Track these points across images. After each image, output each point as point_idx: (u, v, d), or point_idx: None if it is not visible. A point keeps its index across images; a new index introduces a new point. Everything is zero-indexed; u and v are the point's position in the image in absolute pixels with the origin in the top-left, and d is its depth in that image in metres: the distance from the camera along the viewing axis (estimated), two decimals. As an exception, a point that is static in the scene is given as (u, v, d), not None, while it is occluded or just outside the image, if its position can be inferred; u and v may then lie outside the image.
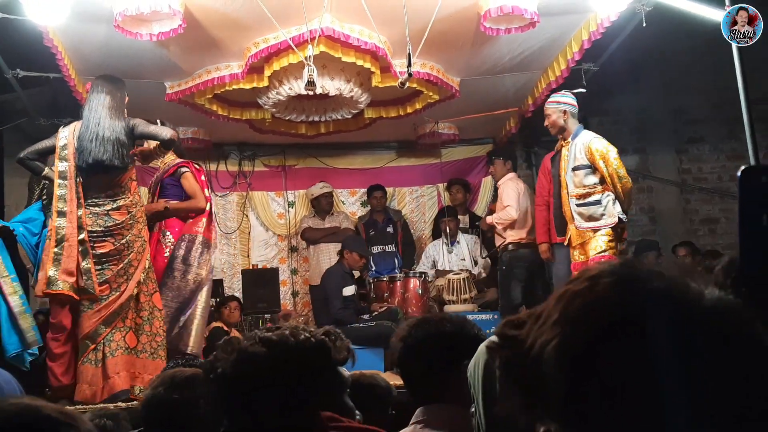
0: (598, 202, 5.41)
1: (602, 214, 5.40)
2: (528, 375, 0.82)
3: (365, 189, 8.77)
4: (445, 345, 2.26)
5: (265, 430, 1.56)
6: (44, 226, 5.52)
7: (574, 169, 5.49)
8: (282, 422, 1.55)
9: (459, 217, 8.04)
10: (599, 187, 5.43)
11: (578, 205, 5.47)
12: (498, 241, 7.05)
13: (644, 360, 0.76)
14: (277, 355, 1.58)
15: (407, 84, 5.43)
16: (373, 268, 7.93)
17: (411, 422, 2.22)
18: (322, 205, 8.28)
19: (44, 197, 5.64)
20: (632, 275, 0.82)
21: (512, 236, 6.79)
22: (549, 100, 5.80)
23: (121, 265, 5.09)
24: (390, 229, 8.16)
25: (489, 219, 7.11)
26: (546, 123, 5.78)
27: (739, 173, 0.62)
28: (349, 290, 7.39)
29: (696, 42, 6.78)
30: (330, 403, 1.65)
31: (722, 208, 8.91)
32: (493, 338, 0.93)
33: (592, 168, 5.45)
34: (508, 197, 6.89)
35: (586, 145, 5.47)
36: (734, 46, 4.31)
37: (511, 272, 6.70)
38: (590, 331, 0.78)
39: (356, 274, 7.82)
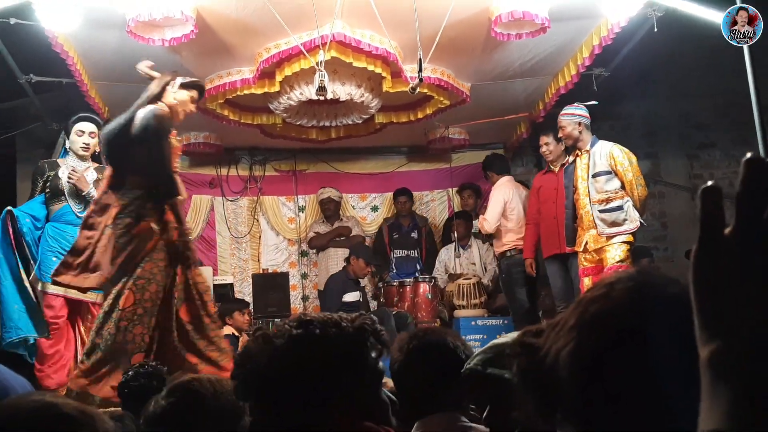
0: (620, 208, 5.49)
1: (624, 219, 5.49)
2: (544, 381, 0.83)
3: (376, 194, 8.80)
4: (447, 356, 2.29)
5: (287, 428, 1.54)
6: (47, 219, 5.55)
7: (595, 175, 5.56)
8: (302, 420, 1.53)
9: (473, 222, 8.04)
10: (620, 192, 5.51)
11: (601, 211, 5.53)
12: (496, 247, 7.05)
13: (660, 366, 0.76)
14: (300, 351, 1.53)
15: (418, 89, 5.43)
16: (394, 271, 7.95)
17: None
18: (324, 210, 8.32)
19: (47, 190, 5.64)
20: (648, 282, 0.83)
21: (509, 242, 6.79)
22: (563, 112, 5.86)
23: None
24: (414, 235, 8.17)
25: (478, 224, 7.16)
26: (560, 135, 5.84)
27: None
28: (351, 296, 7.39)
29: (707, 47, 6.76)
30: (362, 398, 1.60)
31: (733, 214, 8.86)
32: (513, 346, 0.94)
33: (613, 174, 5.51)
34: (491, 208, 6.92)
35: (608, 152, 5.56)
36: (746, 50, 4.30)
37: (511, 278, 6.72)
38: (606, 336, 0.79)
39: (365, 282, 7.84)
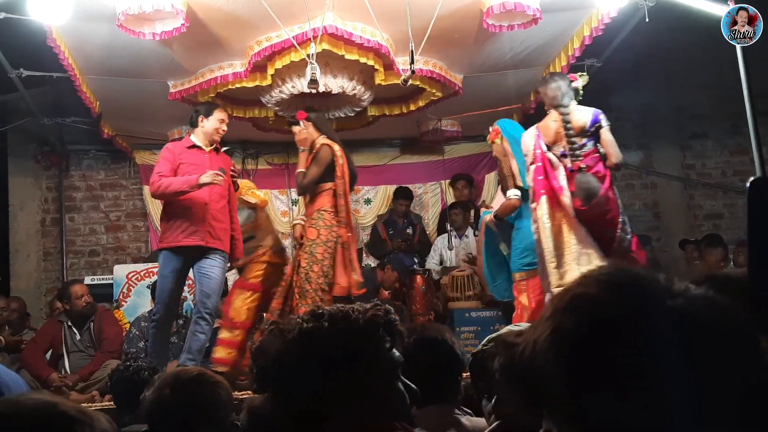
0: None
1: None
2: (525, 375, 0.84)
3: (369, 186, 8.80)
4: (444, 352, 2.34)
5: (302, 420, 1.54)
6: None
7: None
8: (316, 412, 1.53)
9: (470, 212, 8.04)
10: None
11: None
12: None
13: (634, 351, 0.78)
14: (309, 344, 1.55)
15: (410, 81, 5.43)
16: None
17: None
18: None
19: None
20: (621, 273, 0.86)
21: None
22: None
23: None
24: (410, 231, 8.18)
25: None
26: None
27: (748, 184, 0.63)
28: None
29: (698, 37, 6.77)
30: (377, 389, 1.60)
31: (726, 203, 8.90)
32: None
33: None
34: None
35: None
36: (737, 40, 4.31)
37: None
38: (581, 322, 0.81)
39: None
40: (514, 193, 5.45)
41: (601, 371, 0.79)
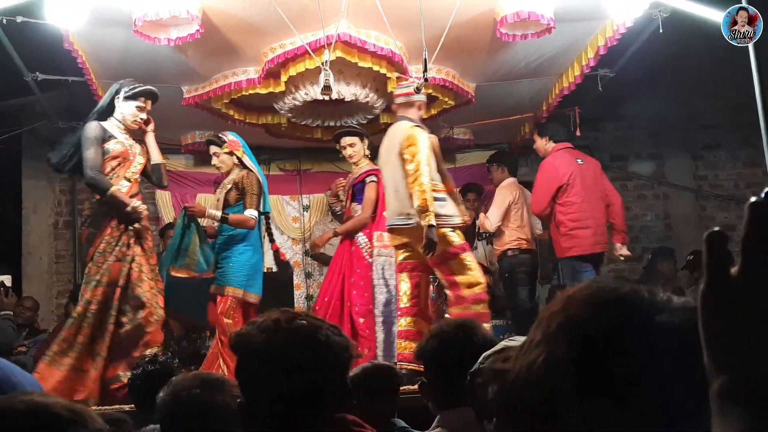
0: None
1: None
2: (523, 396, 0.86)
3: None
4: (479, 350, 2.30)
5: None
6: None
7: None
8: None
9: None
10: None
11: None
12: (497, 246, 7.02)
13: (624, 363, 0.81)
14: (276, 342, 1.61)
15: (423, 89, 5.44)
16: None
17: (432, 427, 2.26)
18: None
19: None
20: (603, 290, 0.88)
21: (510, 241, 6.79)
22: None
23: None
24: None
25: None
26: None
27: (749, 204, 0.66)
28: None
29: (713, 48, 6.76)
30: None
31: (739, 216, 8.83)
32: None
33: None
34: (494, 207, 6.93)
35: None
36: (751, 51, 4.30)
37: (514, 278, 6.75)
38: (574, 344, 0.83)
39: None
40: (253, 214, 5.70)
41: (596, 388, 0.81)
